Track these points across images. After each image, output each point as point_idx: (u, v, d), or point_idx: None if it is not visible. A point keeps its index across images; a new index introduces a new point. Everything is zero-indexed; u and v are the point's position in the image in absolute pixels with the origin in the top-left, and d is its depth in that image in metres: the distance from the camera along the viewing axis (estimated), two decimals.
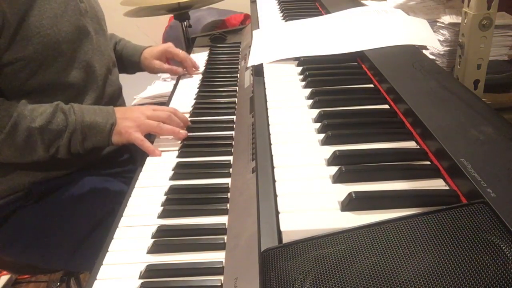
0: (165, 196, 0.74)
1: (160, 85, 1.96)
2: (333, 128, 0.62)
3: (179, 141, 0.91)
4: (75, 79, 0.94)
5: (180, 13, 1.75)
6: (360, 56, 0.88)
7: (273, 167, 0.55)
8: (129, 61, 1.26)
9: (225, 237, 0.64)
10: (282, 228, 0.45)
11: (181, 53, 1.27)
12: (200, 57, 1.38)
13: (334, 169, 0.53)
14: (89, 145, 0.89)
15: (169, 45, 1.27)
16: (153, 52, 1.26)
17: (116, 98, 1.10)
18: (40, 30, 0.86)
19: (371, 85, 0.77)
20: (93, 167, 1.01)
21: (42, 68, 0.88)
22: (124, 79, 1.17)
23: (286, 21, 1.18)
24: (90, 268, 0.64)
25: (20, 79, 0.87)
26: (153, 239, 0.65)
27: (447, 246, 0.37)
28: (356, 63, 0.87)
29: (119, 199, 0.77)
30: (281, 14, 1.28)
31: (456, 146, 0.50)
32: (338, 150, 0.55)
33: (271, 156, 0.58)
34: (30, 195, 0.94)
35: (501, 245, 0.36)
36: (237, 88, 1.13)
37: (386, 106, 0.70)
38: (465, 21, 0.83)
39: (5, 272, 1.70)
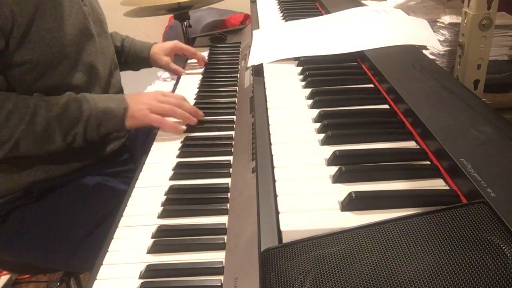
0: (165, 196, 0.74)
1: (160, 85, 1.97)
2: (333, 128, 0.62)
3: (179, 141, 0.91)
4: (79, 81, 0.95)
5: (180, 13, 1.75)
6: (360, 56, 0.87)
7: (273, 167, 0.55)
8: (138, 57, 1.28)
9: (225, 237, 0.64)
10: (282, 228, 0.45)
11: (191, 48, 1.31)
12: None
13: (334, 169, 0.53)
14: (104, 131, 0.91)
15: (178, 42, 1.32)
16: (163, 48, 1.29)
17: None
18: (46, 33, 0.86)
19: (371, 85, 0.77)
20: (94, 167, 1.01)
21: (48, 71, 0.89)
22: (124, 79, 1.17)
23: (286, 21, 1.18)
24: (90, 268, 0.64)
25: (26, 82, 0.87)
26: (153, 239, 0.65)
27: (447, 246, 0.37)
28: (356, 63, 0.87)
29: (119, 198, 0.77)
30: (281, 14, 1.28)
31: (456, 146, 0.50)
32: (338, 150, 0.55)
33: (271, 156, 0.58)
34: (30, 194, 0.94)
35: (501, 245, 0.36)
36: (237, 88, 1.13)
37: (386, 106, 0.70)
38: (465, 21, 0.83)
39: (5, 272, 1.70)
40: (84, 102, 0.88)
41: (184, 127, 0.93)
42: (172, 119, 0.94)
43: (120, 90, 1.13)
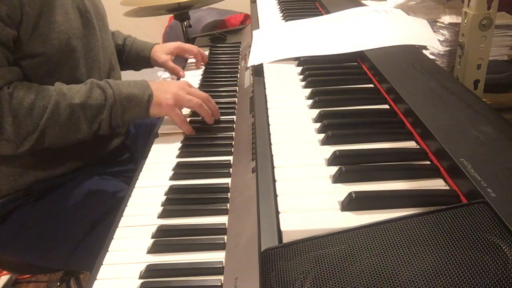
0: (165, 196, 0.74)
1: None
2: (333, 128, 0.62)
3: (179, 141, 0.91)
4: (83, 76, 0.95)
5: (180, 13, 1.75)
6: (360, 56, 0.87)
7: (273, 167, 0.55)
8: (139, 56, 1.27)
9: (225, 237, 0.64)
10: (282, 228, 0.45)
11: (193, 48, 1.30)
12: None
13: (334, 169, 0.53)
14: (129, 118, 0.90)
15: (181, 43, 1.31)
16: (165, 48, 1.28)
17: None
18: (55, 26, 0.87)
19: (371, 85, 0.77)
20: (94, 166, 1.01)
21: (58, 66, 0.89)
22: (124, 78, 1.17)
23: (286, 21, 1.18)
24: (89, 267, 0.64)
25: (39, 76, 0.87)
26: (153, 239, 0.65)
27: (447, 246, 0.37)
28: (356, 63, 0.87)
29: (118, 197, 0.77)
30: (281, 14, 1.28)
31: (456, 146, 0.50)
32: (338, 150, 0.55)
33: (271, 156, 0.58)
34: (31, 193, 0.94)
35: (501, 245, 0.36)
36: (237, 88, 1.13)
37: (386, 106, 0.70)
38: (465, 21, 0.83)
39: (5, 272, 1.70)
40: (108, 88, 0.88)
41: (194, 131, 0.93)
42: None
43: None
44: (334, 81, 0.79)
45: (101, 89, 0.87)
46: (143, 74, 1.44)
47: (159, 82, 0.95)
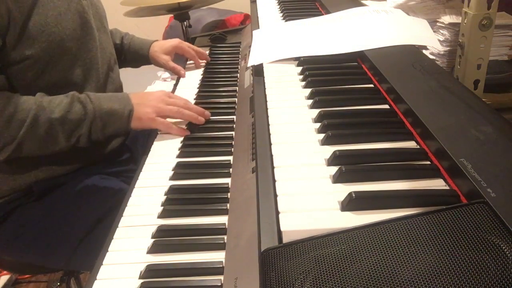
0: (165, 196, 0.74)
1: (160, 85, 1.97)
2: (333, 128, 0.62)
3: (179, 141, 0.91)
4: (78, 77, 0.94)
5: (180, 13, 1.75)
6: (360, 56, 0.87)
7: (273, 167, 0.55)
8: (137, 54, 1.27)
9: (225, 237, 0.64)
10: (282, 228, 0.45)
11: (191, 51, 1.29)
12: None
13: (334, 169, 0.53)
14: (109, 132, 0.91)
15: (180, 41, 1.30)
16: (164, 47, 1.27)
17: None
18: (45, 28, 0.86)
19: (371, 85, 0.77)
20: (94, 166, 1.01)
21: (48, 68, 0.89)
22: (124, 79, 1.17)
23: (286, 21, 1.18)
24: (90, 267, 0.64)
25: (28, 79, 0.87)
26: (153, 239, 0.65)
27: (447, 246, 0.37)
28: (356, 63, 0.87)
29: (118, 197, 0.77)
30: (281, 14, 1.28)
31: (456, 146, 0.50)
32: (338, 150, 0.55)
33: (271, 156, 0.58)
34: (31, 193, 0.94)
35: (501, 245, 0.36)
36: (237, 88, 1.13)
37: (386, 106, 0.70)
38: (465, 21, 0.83)
39: (5, 272, 1.70)
40: (88, 103, 0.88)
41: (188, 132, 0.93)
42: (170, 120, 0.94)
43: (119, 86, 1.13)
44: (334, 81, 0.79)
45: (81, 104, 0.87)
46: (144, 75, 1.45)
47: (140, 95, 0.95)
